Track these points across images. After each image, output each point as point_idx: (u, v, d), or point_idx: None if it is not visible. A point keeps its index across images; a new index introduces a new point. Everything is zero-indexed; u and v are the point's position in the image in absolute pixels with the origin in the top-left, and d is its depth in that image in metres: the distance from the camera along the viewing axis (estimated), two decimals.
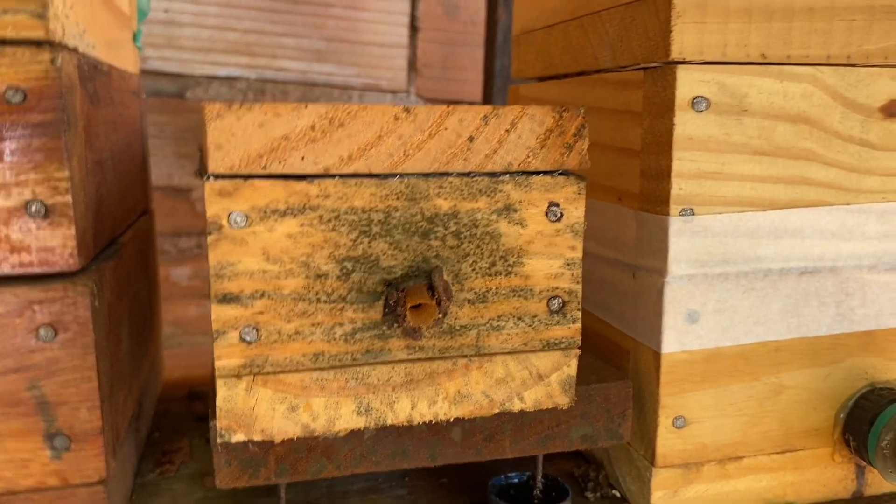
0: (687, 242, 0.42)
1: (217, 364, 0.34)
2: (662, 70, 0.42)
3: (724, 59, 0.41)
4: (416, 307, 0.34)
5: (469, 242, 0.36)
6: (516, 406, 0.39)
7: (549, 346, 0.38)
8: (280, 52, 0.93)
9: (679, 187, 0.41)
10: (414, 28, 0.99)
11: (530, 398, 0.39)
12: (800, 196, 0.43)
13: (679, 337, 0.43)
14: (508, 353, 0.38)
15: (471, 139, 0.36)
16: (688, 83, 0.40)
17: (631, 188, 0.45)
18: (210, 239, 0.33)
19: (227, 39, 0.90)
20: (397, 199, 0.35)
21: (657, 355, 0.43)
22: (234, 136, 0.33)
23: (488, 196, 0.36)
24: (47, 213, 0.35)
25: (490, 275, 0.37)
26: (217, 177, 0.33)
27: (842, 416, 0.46)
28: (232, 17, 0.90)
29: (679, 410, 0.44)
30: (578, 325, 0.38)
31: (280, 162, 0.33)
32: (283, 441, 0.37)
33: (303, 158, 0.34)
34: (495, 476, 0.47)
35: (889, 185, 0.45)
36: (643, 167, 0.44)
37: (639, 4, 0.43)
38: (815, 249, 0.44)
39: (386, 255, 0.35)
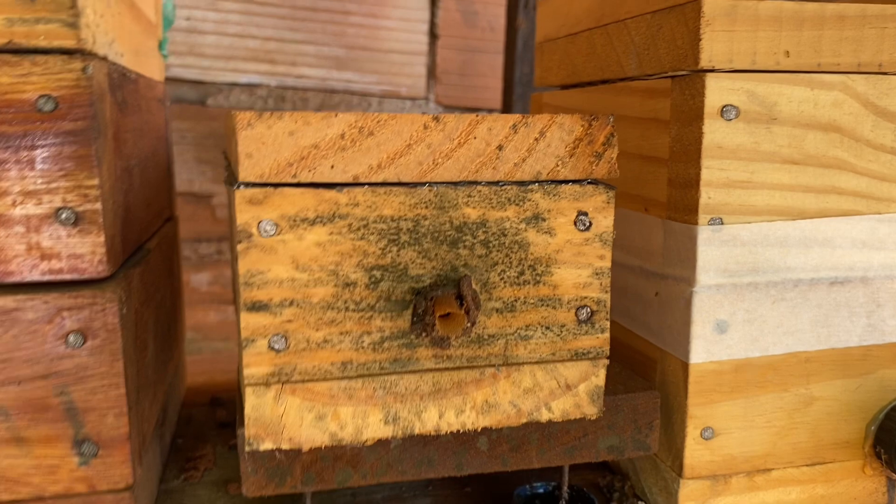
0: (716, 251, 0.41)
1: (245, 372, 0.34)
2: (691, 78, 0.41)
3: (754, 67, 0.40)
4: (444, 316, 0.34)
5: (497, 251, 0.36)
6: (544, 416, 0.38)
7: (577, 356, 0.38)
8: (300, 59, 0.93)
9: (708, 196, 0.41)
10: (433, 35, 0.99)
11: (558, 408, 0.38)
12: (830, 205, 0.43)
13: (708, 347, 0.42)
14: (536, 362, 0.38)
15: (500, 148, 0.35)
16: (717, 91, 0.40)
17: (658, 197, 0.45)
18: (240, 247, 0.33)
19: (247, 47, 0.91)
20: (426, 207, 0.35)
21: (685, 365, 0.43)
22: (264, 144, 0.33)
23: (517, 205, 0.36)
24: (77, 220, 0.35)
25: (518, 284, 0.37)
26: (247, 185, 0.33)
27: (872, 428, 0.45)
28: (253, 25, 0.90)
29: (707, 421, 0.43)
30: (607, 334, 0.38)
31: (310, 170, 0.33)
32: (309, 450, 0.36)
33: (332, 167, 0.34)
34: (520, 486, 0.46)
35: None
36: (671, 176, 0.44)
37: (666, 13, 0.43)
38: (846, 259, 0.43)
39: (414, 263, 0.35)
